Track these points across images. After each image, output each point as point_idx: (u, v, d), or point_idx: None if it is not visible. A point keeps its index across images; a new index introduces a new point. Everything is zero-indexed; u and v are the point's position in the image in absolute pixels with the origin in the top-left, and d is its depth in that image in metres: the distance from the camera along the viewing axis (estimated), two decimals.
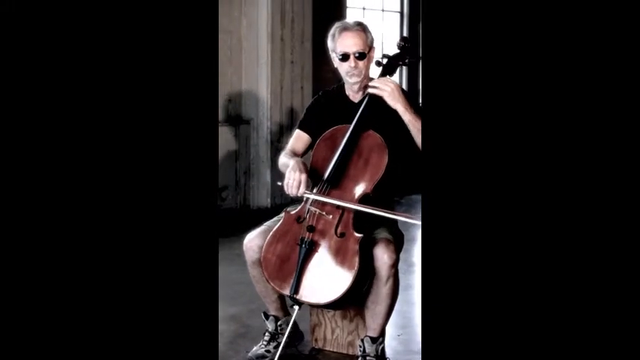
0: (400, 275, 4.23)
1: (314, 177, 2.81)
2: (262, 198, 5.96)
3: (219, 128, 5.85)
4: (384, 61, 2.89)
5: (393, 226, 2.88)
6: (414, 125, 2.75)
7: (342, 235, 2.67)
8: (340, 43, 2.84)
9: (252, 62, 6.08)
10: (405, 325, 3.47)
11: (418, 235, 5.59)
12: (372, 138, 2.77)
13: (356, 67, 2.83)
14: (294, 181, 2.69)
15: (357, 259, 2.61)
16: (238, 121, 6.07)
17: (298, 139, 3.03)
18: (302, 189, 2.69)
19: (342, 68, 2.88)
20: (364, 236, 2.66)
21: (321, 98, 3.07)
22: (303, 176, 2.69)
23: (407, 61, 2.94)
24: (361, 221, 2.71)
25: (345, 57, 2.84)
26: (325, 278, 2.64)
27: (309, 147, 3.00)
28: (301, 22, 6.22)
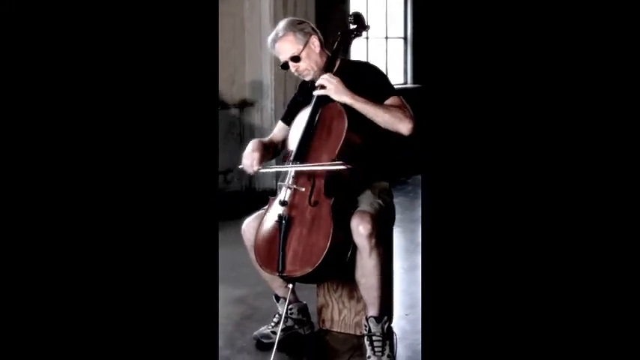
0: (407, 255, 4.21)
1: (287, 158, 2.91)
2: (267, 180, 5.95)
3: (223, 112, 5.83)
4: (338, 38, 3.01)
5: (378, 197, 2.88)
6: (367, 110, 2.80)
7: (316, 203, 2.71)
8: (277, 55, 3.00)
9: (256, 45, 6.05)
10: (412, 304, 3.47)
11: None
12: (332, 108, 2.84)
13: (297, 69, 2.97)
14: (247, 159, 2.91)
15: (329, 222, 2.64)
16: (242, 103, 6.05)
17: (279, 128, 3.20)
18: (255, 166, 2.89)
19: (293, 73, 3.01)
20: (336, 199, 2.69)
21: (297, 91, 3.21)
22: (255, 154, 2.91)
23: (360, 32, 3.05)
24: (334, 187, 2.74)
25: (284, 65, 2.99)
26: (305, 248, 2.67)
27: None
28: (304, 3, 6.17)
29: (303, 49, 2.93)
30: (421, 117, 2.91)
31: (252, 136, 6.07)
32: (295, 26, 2.97)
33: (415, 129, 2.78)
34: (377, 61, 7.49)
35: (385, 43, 7.99)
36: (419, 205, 5.88)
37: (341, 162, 2.70)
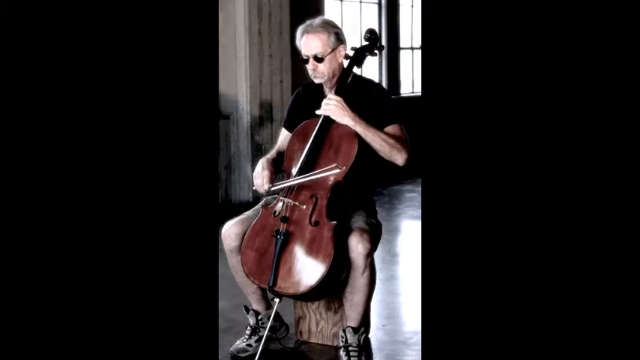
0: (384, 265, 4.22)
1: (288, 170, 2.87)
2: (244, 192, 5.94)
3: None
4: (352, 53, 2.97)
5: (369, 216, 2.88)
6: (367, 135, 2.78)
7: (317, 223, 2.69)
8: (302, 46, 2.90)
9: (230, 57, 6.05)
10: (389, 315, 3.47)
11: (402, 225, 5.61)
12: (342, 127, 2.80)
13: (315, 69, 2.88)
14: (258, 179, 2.84)
15: (331, 246, 2.62)
16: (218, 116, 6.04)
17: (284, 136, 3.09)
18: (266, 185, 2.81)
19: (307, 69, 2.93)
20: (338, 223, 2.68)
21: (300, 93, 3.13)
22: (265, 172, 2.83)
23: (374, 51, 3.03)
24: (335, 209, 2.73)
25: (306, 60, 2.90)
26: (301, 267, 2.66)
27: None
28: (278, 14, 6.19)
29: (330, 52, 2.86)
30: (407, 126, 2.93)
31: (228, 148, 6.08)
32: (333, 27, 2.91)
33: (409, 160, 2.79)
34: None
35: None
36: (395, 216, 5.91)
37: (326, 168, 2.69)
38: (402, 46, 8.58)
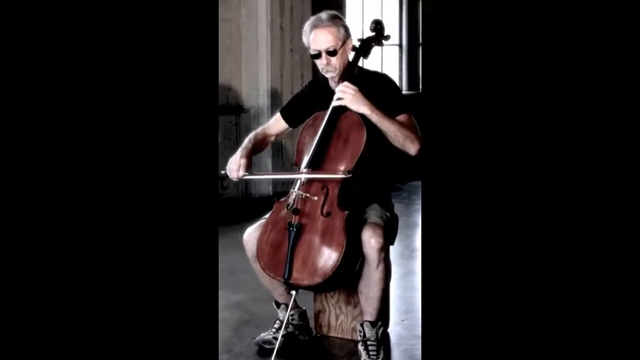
0: (402, 261, 4.23)
1: (299, 163, 2.90)
2: (264, 186, 5.97)
3: (220, 117, 5.85)
4: (358, 45, 2.99)
5: (385, 209, 2.91)
6: (382, 124, 2.79)
7: (329, 214, 2.71)
8: (312, 41, 2.90)
9: (252, 51, 6.07)
10: (408, 310, 3.49)
11: (421, 220, 5.61)
12: (350, 118, 2.82)
13: (328, 63, 2.89)
14: (233, 164, 2.88)
15: (343, 236, 2.64)
16: (239, 109, 6.07)
17: (276, 121, 3.15)
18: (241, 172, 2.87)
19: (317, 64, 2.95)
20: (350, 213, 2.70)
21: (306, 89, 3.16)
22: (243, 160, 2.88)
23: (381, 41, 3.05)
24: (347, 199, 2.75)
25: (317, 55, 2.90)
26: (315, 258, 2.68)
27: (283, 133, 3.18)
28: (300, 9, 6.21)
29: (341, 45, 2.89)
30: (417, 122, 2.96)
31: None
32: (341, 21, 2.93)
33: (421, 151, 2.78)
34: (372, 67, 7.52)
35: (380, 50, 8.02)
36: (414, 211, 5.91)
37: (344, 173, 2.70)
38: (422, 41, 8.57)
